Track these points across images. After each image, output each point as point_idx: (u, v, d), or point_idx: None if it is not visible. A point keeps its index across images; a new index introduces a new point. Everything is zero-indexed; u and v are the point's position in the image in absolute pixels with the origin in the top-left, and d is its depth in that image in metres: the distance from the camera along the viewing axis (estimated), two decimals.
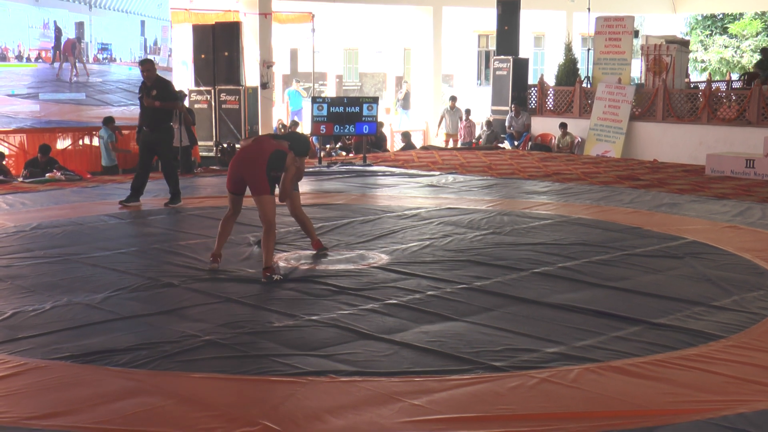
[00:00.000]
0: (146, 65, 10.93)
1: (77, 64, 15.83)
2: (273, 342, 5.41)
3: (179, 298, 6.46)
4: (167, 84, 11.08)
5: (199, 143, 16.14)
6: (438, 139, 21.68)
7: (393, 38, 30.98)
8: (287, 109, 23.84)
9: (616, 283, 6.94)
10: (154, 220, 9.87)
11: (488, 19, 23.63)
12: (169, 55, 17.47)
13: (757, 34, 32.29)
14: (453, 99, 21.61)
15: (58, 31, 15.22)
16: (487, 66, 29.30)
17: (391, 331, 5.65)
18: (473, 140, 20.59)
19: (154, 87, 10.72)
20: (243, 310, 6.16)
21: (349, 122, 15.04)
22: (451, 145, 20.92)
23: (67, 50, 15.66)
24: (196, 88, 17.25)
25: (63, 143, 15.35)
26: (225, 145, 16.05)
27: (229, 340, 5.42)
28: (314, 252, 7.98)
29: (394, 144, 22.20)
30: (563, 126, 18.59)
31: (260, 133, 17.31)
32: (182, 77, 18.98)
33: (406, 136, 20.57)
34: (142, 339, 5.43)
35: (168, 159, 11.05)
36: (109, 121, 15.45)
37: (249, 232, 8.91)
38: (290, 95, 23.94)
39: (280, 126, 19.68)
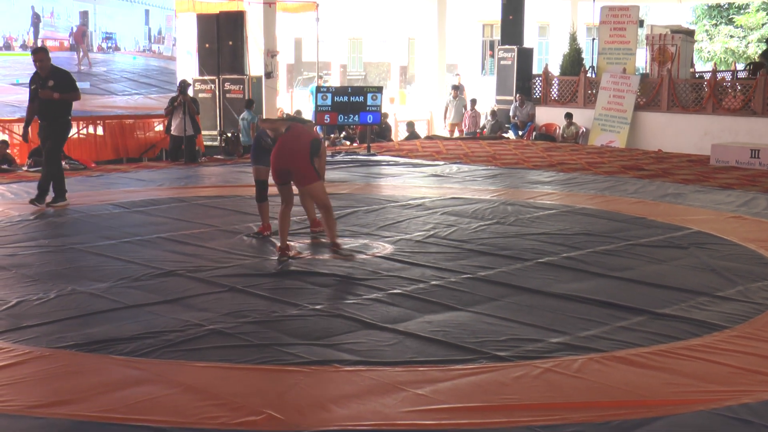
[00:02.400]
0: (40, 55, 9.96)
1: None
2: (277, 331, 5.41)
3: (183, 287, 6.46)
4: (66, 74, 10.11)
5: (203, 132, 16.13)
6: (446, 130, 21.63)
7: (397, 28, 30.92)
8: (290, 103, 23.74)
9: (620, 273, 6.93)
10: (159, 209, 9.87)
11: (493, 9, 23.55)
12: (174, 45, 17.43)
13: (763, 25, 32.16)
14: (455, 88, 21.57)
15: (36, 17, 15.12)
16: (491, 56, 29.23)
17: (395, 320, 5.65)
18: (478, 130, 20.56)
19: (51, 78, 9.90)
20: (247, 299, 6.16)
21: (354, 112, 15.04)
22: (456, 134, 20.89)
23: (78, 39, 15.64)
24: (201, 78, 17.23)
25: None
26: (229, 134, 16.05)
27: (233, 330, 5.42)
28: (313, 233, 8.18)
29: (399, 133, 22.16)
30: (568, 116, 18.55)
31: None
32: (187, 66, 18.94)
33: (410, 125, 20.55)
34: (147, 328, 5.43)
35: (55, 152, 10.09)
36: (251, 104, 16.40)
37: (252, 221, 8.91)
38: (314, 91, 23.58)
39: (283, 114, 19.63)
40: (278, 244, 7.50)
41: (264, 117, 15.93)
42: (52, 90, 9.83)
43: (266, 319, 5.68)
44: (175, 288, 6.43)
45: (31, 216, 9.40)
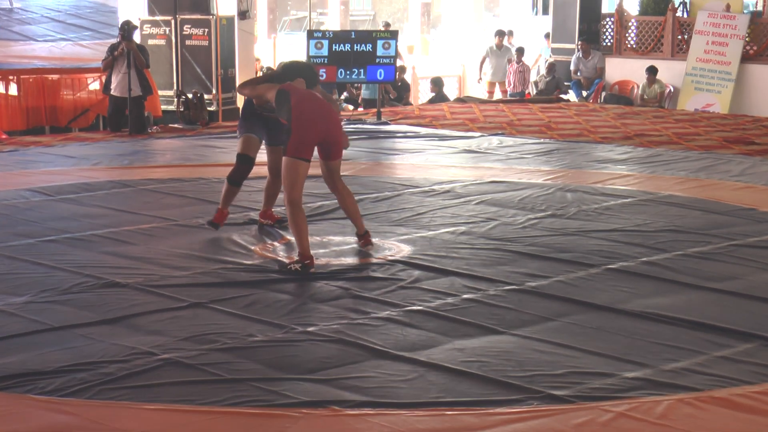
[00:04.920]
0: None
1: None
2: (255, 362, 5.43)
3: (128, 302, 6.48)
4: None
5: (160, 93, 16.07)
6: (480, 88, 21.61)
7: None
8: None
9: (720, 285, 6.92)
10: (94, 196, 9.89)
11: None
12: None
13: None
14: (500, 34, 21.52)
15: None
16: None
17: (414, 347, 5.67)
18: (526, 90, 20.55)
19: None
20: (215, 318, 6.18)
21: (359, 65, 15.02)
22: (497, 96, 20.86)
23: None
24: (151, 18, 17.24)
25: None
26: (189, 96, 16.01)
27: (195, 360, 5.44)
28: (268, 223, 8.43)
29: (420, 95, 22.17)
30: (651, 71, 18.48)
31: (238, 80, 17.31)
32: (132, 4, 18.93)
33: (436, 83, 20.50)
34: (78, 357, 5.45)
35: None
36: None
37: (250, 210, 8.92)
38: None
39: (266, 70, 19.69)
40: (288, 254, 7.48)
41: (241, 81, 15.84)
42: None
43: (240, 345, 5.70)
44: (116, 303, 6.45)
45: None
